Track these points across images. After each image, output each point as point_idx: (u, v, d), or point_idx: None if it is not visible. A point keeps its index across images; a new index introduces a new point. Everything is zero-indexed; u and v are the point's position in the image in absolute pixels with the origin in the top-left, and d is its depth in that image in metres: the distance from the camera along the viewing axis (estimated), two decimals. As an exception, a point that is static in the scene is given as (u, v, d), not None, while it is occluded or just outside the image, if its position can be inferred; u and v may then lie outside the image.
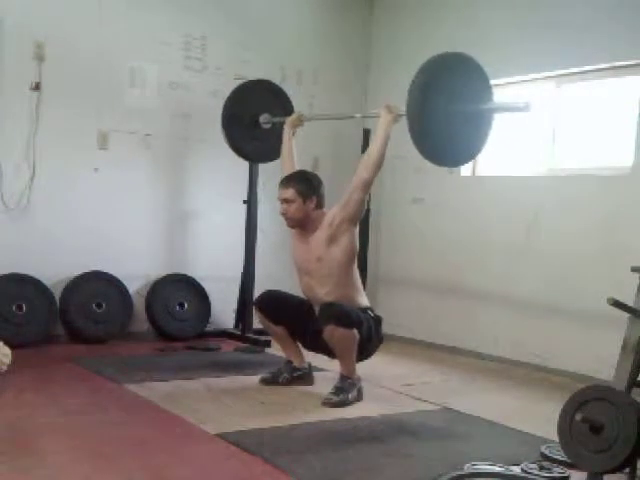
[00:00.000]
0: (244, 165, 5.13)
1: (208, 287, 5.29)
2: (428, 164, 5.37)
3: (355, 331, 3.50)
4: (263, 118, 4.60)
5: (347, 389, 3.59)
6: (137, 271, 5.10)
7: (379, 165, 3.61)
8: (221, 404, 3.44)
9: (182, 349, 4.78)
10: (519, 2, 4.92)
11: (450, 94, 3.36)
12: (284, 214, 3.75)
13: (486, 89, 3.51)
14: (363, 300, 3.76)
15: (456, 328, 5.18)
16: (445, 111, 3.35)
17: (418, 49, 5.60)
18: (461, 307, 5.17)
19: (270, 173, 5.34)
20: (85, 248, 4.85)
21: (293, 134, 4.17)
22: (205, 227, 5.35)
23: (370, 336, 3.63)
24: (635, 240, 4.11)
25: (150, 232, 5.17)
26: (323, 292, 3.68)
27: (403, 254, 5.64)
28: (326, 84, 5.80)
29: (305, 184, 3.73)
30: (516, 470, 2.62)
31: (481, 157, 5.27)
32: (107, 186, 4.94)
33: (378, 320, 3.74)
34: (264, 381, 3.89)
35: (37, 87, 4.63)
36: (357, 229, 3.74)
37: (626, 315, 2.50)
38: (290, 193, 3.70)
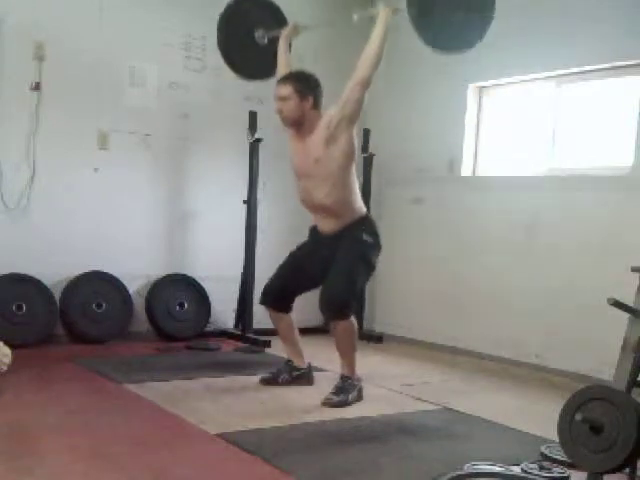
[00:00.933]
0: (244, 165, 5.14)
1: (208, 287, 5.29)
2: (428, 164, 5.43)
3: (352, 318, 3.59)
4: (258, 34, 4.41)
5: (347, 389, 3.59)
6: (137, 271, 5.10)
7: (377, 62, 3.57)
8: (221, 404, 3.44)
9: (182, 349, 4.78)
10: (519, 2, 4.92)
11: None
12: (279, 112, 3.67)
13: None
14: (360, 205, 3.73)
15: (456, 328, 5.18)
16: None
17: (418, 47, 5.61)
18: (461, 307, 5.17)
19: (270, 173, 5.35)
20: (85, 248, 4.86)
21: (290, 47, 4.09)
22: (205, 227, 5.35)
23: (366, 275, 3.71)
24: (635, 240, 4.11)
25: (150, 232, 5.17)
26: (322, 194, 3.63)
27: (403, 254, 5.63)
28: (327, 84, 5.78)
29: (303, 82, 3.66)
30: (516, 470, 2.61)
31: (481, 157, 5.30)
32: (107, 186, 4.94)
33: (374, 242, 3.69)
34: (264, 381, 3.89)
35: (37, 87, 4.63)
36: (355, 130, 3.67)
37: (626, 315, 2.50)
38: (287, 90, 3.62)
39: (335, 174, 3.59)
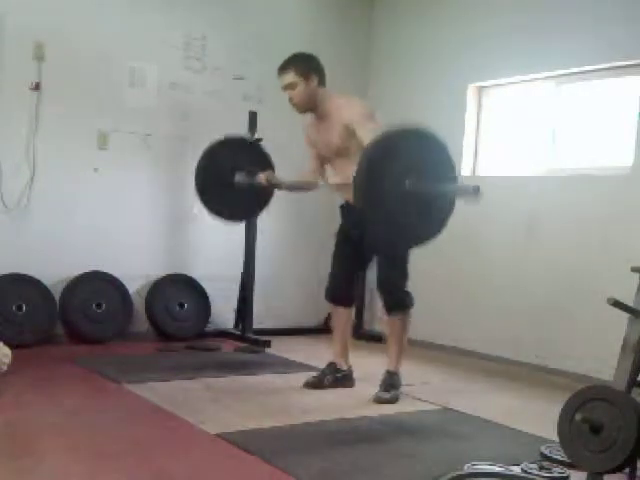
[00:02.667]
0: (244, 165, 5.14)
1: (208, 287, 5.29)
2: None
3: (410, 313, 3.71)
4: (238, 180, 4.09)
5: (396, 385, 3.65)
6: (137, 271, 5.09)
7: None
8: (221, 404, 3.44)
9: (182, 349, 4.78)
10: (519, 2, 4.92)
11: (404, 171, 3.02)
12: (290, 100, 3.67)
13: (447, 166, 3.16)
14: None
15: (456, 328, 5.18)
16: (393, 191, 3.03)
17: (418, 49, 5.64)
18: (461, 307, 5.17)
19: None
20: (85, 248, 4.85)
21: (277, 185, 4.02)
22: (205, 227, 5.34)
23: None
24: (635, 240, 4.11)
25: (150, 232, 5.17)
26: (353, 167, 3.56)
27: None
28: (327, 84, 5.79)
29: (302, 64, 3.65)
30: (516, 470, 2.61)
31: (481, 157, 5.30)
32: (107, 186, 4.94)
33: None
34: (309, 385, 3.83)
35: (37, 87, 4.63)
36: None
37: (626, 315, 2.50)
38: (290, 77, 3.62)
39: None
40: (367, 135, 3.39)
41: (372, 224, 3.22)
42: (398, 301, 3.69)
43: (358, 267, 3.86)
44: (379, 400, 3.59)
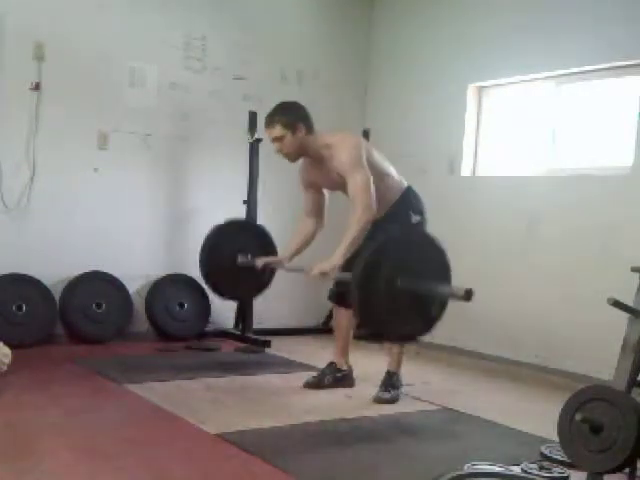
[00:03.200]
0: (244, 165, 5.14)
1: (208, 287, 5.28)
2: (428, 164, 5.43)
3: None
4: (240, 262, 4.13)
5: (396, 385, 3.66)
6: (137, 271, 5.09)
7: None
8: (221, 404, 3.44)
9: (182, 349, 4.78)
10: (519, 2, 4.92)
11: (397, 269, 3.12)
12: (279, 152, 3.65)
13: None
14: (396, 180, 3.72)
15: (456, 328, 5.16)
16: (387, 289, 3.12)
17: (418, 49, 5.64)
18: (461, 307, 5.14)
19: (270, 173, 5.34)
20: (85, 248, 4.85)
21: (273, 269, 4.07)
22: (205, 227, 5.30)
23: None
24: (635, 240, 4.11)
25: (150, 232, 5.17)
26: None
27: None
28: (327, 84, 5.80)
29: (288, 115, 3.60)
30: (516, 470, 2.62)
31: (481, 157, 5.30)
32: (107, 186, 4.94)
33: (422, 219, 3.75)
34: (309, 385, 3.84)
35: (37, 87, 4.63)
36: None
37: (626, 315, 2.50)
38: (277, 130, 3.58)
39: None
40: (354, 187, 3.44)
41: (363, 320, 3.29)
42: None
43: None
44: (379, 400, 3.60)
